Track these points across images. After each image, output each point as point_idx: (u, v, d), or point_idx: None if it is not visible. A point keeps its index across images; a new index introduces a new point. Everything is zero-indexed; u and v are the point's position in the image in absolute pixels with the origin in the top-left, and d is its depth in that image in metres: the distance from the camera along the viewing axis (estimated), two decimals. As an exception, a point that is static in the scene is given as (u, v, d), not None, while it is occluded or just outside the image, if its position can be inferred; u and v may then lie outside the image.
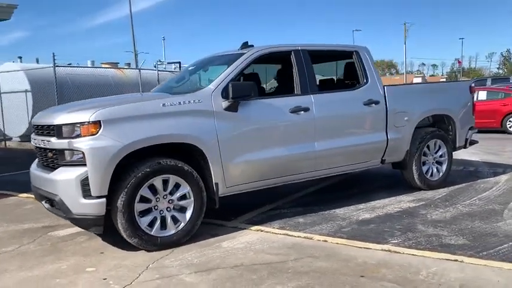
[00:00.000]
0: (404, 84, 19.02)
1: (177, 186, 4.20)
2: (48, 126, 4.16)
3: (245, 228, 4.66)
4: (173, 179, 4.15)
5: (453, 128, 6.36)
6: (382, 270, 3.46)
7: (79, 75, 13.87)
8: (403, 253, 3.82)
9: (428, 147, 6.05)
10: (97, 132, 3.84)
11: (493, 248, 3.84)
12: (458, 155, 9.20)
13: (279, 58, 5.63)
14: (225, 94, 4.43)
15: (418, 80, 58.73)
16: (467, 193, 5.84)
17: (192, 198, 4.26)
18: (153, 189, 4.08)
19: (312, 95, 5.01)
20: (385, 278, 3.32)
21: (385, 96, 5.55)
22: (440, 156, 6.20)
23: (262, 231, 4.57)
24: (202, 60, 5.72)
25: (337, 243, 4.12)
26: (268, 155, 4.69)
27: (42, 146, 4.26)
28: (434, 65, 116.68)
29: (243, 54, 4.82)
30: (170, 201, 4.19)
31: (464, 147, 6.62)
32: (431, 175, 6.12)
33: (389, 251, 3.88)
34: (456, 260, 3.61)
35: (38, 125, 4.40)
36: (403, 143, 5.77)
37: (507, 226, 4.43)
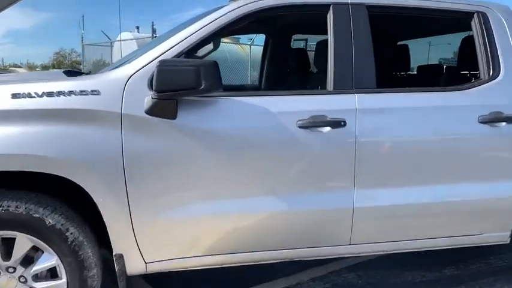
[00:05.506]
0: None
1: (37, 252, 2.21)
2: None
3: None
4: (24, 239, 2.16)
5: None
6: None
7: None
8: None
9: None
10: None
11: None
12: None
13: (299, 23, 3.09)
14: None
15: None
16: None
17: (64, 279, 2.22)
18: (-17, 254, 2.16)
19: (356, 95, 2.48)
20: None
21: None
22: None
23: None
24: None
25: None
26: (241, 208, 2.36)
27: None
28: None
29: (215, 11, 2.50)
30: (22, 279, 2.22)
31: None
32: None
33: None
34: None
35: None
36: None
37: None
